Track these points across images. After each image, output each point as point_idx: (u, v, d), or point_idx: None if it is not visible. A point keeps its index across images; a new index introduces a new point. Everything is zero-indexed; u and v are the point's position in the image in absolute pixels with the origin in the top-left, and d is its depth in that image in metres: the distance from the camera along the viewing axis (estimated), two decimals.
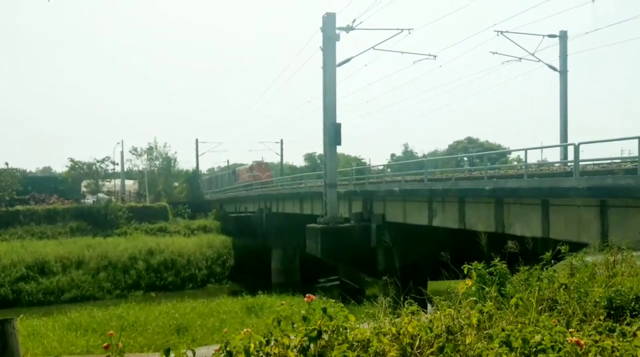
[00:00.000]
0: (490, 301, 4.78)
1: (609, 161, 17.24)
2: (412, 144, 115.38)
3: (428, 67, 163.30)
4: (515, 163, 43.58)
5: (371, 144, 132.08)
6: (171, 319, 16.38)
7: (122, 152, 55.26)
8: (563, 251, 6.59)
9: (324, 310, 3.69)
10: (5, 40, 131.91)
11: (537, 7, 35.33)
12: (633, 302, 4.90)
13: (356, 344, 3.67)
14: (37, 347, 13.17)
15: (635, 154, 12.80)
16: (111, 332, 4.68)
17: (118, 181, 57.48)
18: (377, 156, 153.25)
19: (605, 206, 12.84)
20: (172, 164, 69.18)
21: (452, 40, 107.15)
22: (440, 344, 3.50)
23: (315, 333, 3.59)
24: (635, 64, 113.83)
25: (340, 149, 30.16)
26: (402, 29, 24.21)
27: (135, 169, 67.32)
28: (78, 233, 43.64)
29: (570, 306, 4.71)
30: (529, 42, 28.62)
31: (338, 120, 25.06)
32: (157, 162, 67.99)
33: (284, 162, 73.18)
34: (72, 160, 52.95)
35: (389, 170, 35.31)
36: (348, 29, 24.56)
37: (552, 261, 6.28)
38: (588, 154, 51.52)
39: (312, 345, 3.57)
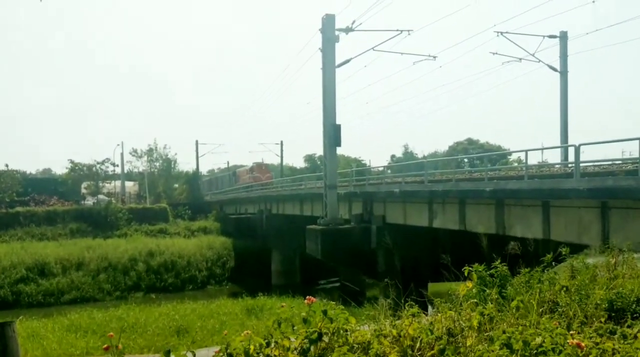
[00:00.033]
0: (491, 303, 4.77)
1: (610, 162, 17.24)
2: (412, 145, 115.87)
3: (428, 68, 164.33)
4: (516, 164, 43.55)
5: (371, 145, 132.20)
6: (171, 320, 16.34)
7: (122, 154, 55.49)
8: (564, 252, 6.58)
9: (325, 312, 3.68)
10: (5, 40, 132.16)
11: (537, 8, 35.25)
12: (634, 305, 4.89)
13: (357, 346, 3.66)
14: (37, 349, 13.18)
15: (636, 155, 12.82)
16: (111, 333, 4.68)
17: (118, 183, 57.55)
18: (377, 157, 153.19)
19: (606, 207, 12.82)
20: (172, 166, 69.32)
21: (452, 41, 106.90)
22: (441, 346, 3.50)
23: (315, 335, 3.58)
24: (635, 64, 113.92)
25: (340, 150, 30.21)
26: (401, 30, 24.25)
27: (136, 170, 67.51)
28: (78, 235, 43.74)
29: (571, 308, 4.70)
30: (529, 42, 28.70)
31: (338, 122, 25.11)
32: (157, 164, 68.18)
33: (284, 163, 73.35)
34: (72, 161, 53.23)
35: (389, 171, 35.26)
36: (347, 30, 24.58)
37: (553, 262, 6.27)
38: (588, 155, 51.59)
39: (312, 347, 3.57)
